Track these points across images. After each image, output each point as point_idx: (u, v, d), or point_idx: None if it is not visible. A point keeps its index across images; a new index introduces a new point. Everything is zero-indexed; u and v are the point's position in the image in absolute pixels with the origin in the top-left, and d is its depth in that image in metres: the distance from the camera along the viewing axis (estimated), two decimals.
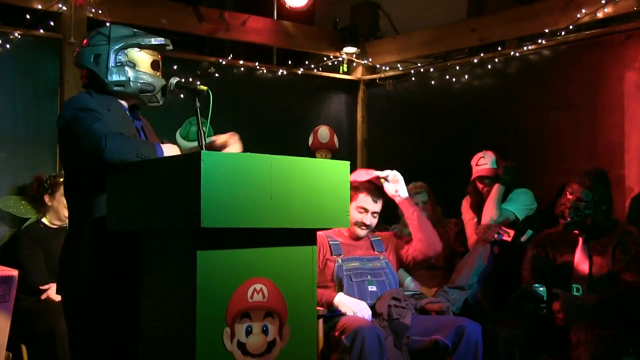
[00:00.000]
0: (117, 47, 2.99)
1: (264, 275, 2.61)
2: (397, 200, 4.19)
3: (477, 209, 5.05)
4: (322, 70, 6.57)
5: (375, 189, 4.21)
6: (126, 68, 3.00)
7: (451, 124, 5.97)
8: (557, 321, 3.87)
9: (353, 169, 6.49)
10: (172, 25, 5.68)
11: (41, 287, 4.48)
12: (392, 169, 4.21)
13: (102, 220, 2.83)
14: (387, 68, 6.51)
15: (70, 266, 2.93)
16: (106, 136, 2.70)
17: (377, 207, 4.22)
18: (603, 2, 4.79)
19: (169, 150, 2.86)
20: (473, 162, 5.08)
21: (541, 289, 4.00)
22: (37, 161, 5.01)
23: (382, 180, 4.17)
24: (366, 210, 4.18)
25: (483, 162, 5.02)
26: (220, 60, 5.91)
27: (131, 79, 3.00)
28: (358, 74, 6.77)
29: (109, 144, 2.69)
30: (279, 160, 2.58)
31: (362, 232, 4.24)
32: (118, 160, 2.70)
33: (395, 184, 4.18)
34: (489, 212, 4.82)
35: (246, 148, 3.19)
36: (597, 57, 4.94)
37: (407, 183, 5.27)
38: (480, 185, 5.04)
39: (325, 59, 6.60)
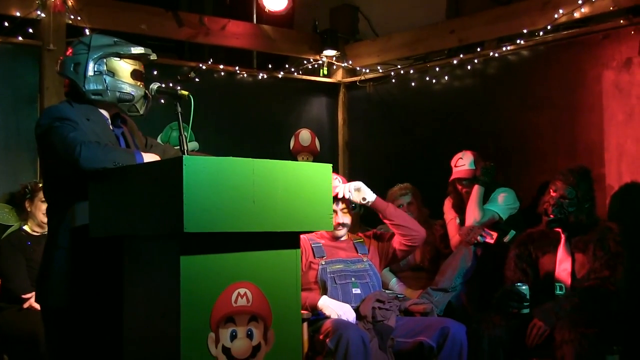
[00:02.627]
0: (95, 55, 2.99)
1: (248, 280, 2.62)
2: (368, 205, 4.19)
3: (459, 208, 5.06)
4: (303, 74, 6.57)
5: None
6: (104, 77, 3.00)
7: (432, 125, 5.98)
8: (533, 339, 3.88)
9: (336, 171, 6.60)
10: (151, 31, 5.67)
11: (23, 296, 4.45)
12: (356, 181, 4.24)
13: (82, 227, 2.82)
14: (367, 70, 6.52)
15: (49, 274, 2.91)
16: (82, 145, 2.70)
17: (341, 204, 4.23)
18: (580, 2, 4.82)
19: (150, 158, 2.85)
20: (452, 163, 5.09)
21: (524, 287, 4.02)
22: (17, 168, 4.98)
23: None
24: (334, 212, 4.20)
25: (461, 164, 5.03)
26: (201, 65, 5.90)
27: (109, 88, 3.00)
28: (338, 76, 6.78)
29: (84, 152, 2.69)
30: (261, 164, 2.59)
31: (339, 232, 4.26)
32: (94, 169, 2.70)
33: (358, 192, 4.18)
34: (472, 214, 4.82)
35: (228, 152, 3.19)
36: (575, 56, 4.97)
37: (391, 185, 5.34)
38: (459, 187, 5.05)
39: (305, 62, 6.60)
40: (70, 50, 3.05)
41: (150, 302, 2.61)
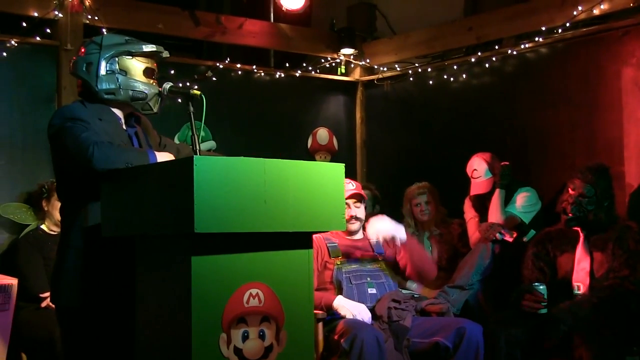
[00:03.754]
0: (107, 55, 2.99)
1: (260, 280, 2.60)
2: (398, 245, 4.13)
3: (480, 208, 5.03)
4: (320, 72, 6.56)
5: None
6: (117, 76, 2.99)
7: (450, 124, 5.95)
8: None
9: (353, 169, 6.59)
10: (168, 30, 5.68)
11: (41, 295, 4.47)
12: (383, 221, 4.10)
13: (95, 227, 2.82)
14: (385, 69, 6.50)
15: (63, 274, 2.92)
16: (94, 145, 2.70)
17: (353, 198, 4.23)
18: None
19: (164, 158, 2.85)
20: (468, 172, 5.06)
21: (541, 287, 3.98)
22: (35, 168, 5.00)
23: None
24: (347, 205, 4.18)
25: (477, 175, 4.99)
26: (218, 64, 5.90)
27: (121, 87, 2.99)
28: (356, 75, 6.75)
29: (97, 152, 2.69)
30: (272, 163, 2.58)
31: (353, 226, 4.23)
32: (106, 169, 2.70)
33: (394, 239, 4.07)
34: (494, 218, 4.80)
35: (245, 151, 3.18)
36: (594, 53, 4.91)
37: (408, 184, 5.32)
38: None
39: (322, 60, 6.59)
40: (83, 50, 3.05)
41: (161, 302, 2.61)
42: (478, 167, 4.99)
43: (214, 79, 5.85)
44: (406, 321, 3.94)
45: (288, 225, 2.60)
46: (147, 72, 3.07)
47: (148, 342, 2.66)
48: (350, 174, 6.36)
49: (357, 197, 4.23)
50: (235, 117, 6.01)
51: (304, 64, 6.52)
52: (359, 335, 3.63)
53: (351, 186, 4.23)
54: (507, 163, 4.88)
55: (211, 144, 5.75)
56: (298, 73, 6.36)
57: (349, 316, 3.89)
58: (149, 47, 3.06)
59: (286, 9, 6.41)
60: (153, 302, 2.65)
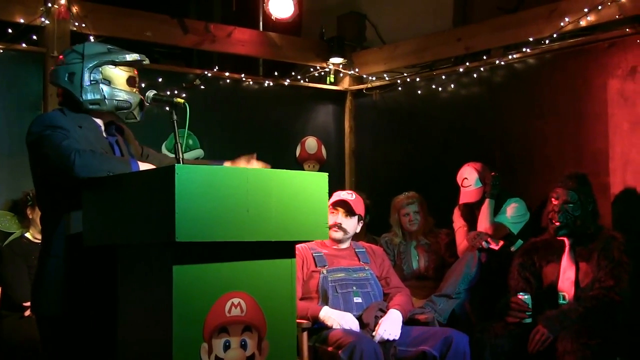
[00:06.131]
0: (91, 65, 2.96)
1: (242, 290, 2.59)
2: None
3: (469, 218, 5.03)
4: (309, 81, 6.56)
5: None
6: (101, 86, 2.97)
7: (438, 133, 5.96)
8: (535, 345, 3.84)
9: (342, 179, 6.59)
10: (157, 38, 5.67)
11: (24, 304, 4.44)
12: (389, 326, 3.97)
13: (76, 236, 2.80)
14: (374, 78, 6.50)
15: (44, 283, 2.89)
16: (76, 153, 2.68)
17: (340, 207, 4.23)
18: (586, 10, 4.80)
19: (146, 167, 2.83)
20: (458, 181, 5.06)
21: (526, 297, 4.00)
22: (21, 175, 4.92)
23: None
24: (335, 211, 4.19)
25: (467, 184, 4.98)
26: (206, 73, 5.89)
27: (106, 97, 2.97)
28: (345, 84, 6.76)
29: (78, 160, 2.67)
30: (255, 172, 2.58)
31: (335, 234, 4.22)
32: (88, 177, 2.68)
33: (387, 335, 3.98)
34: (483, 227, 4.80)
35: (232, 160, 3.18)
36: (581, 65, 4.94)
37: (396, 193, 5.31)
38: (469, 204, 5.03)
39: (312, 69, 6.59)
40: (62, 59, 3.02)
41: (143, 311, 2.59)
42: (469, 176, 4.99)
43: (202, 87, 5.84)
44: None
45: (271, 235, 2.59)
46: (130, 81, 3.05)
47: (129, 352, 2.64)
48: (339, 183, 6.42)
49: (345, 208, 4.22)
50: (224, 125, 6.01)
51: (293, 73, 6.52)
52: (357, 346, 3.61)
53: (350, 197, 4.23)
54: (497, 173, 4.89)
55: (199, 152, 5.74)
56: (287, 82, 6.36)
57: (335, 326, 3.87)
58: (132, 56, 3.04)
59: (275, 18, 6.40)
60: (134, 312, 2.64)
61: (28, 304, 4.41)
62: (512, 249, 4.75)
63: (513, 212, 4.87)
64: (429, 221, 5.27)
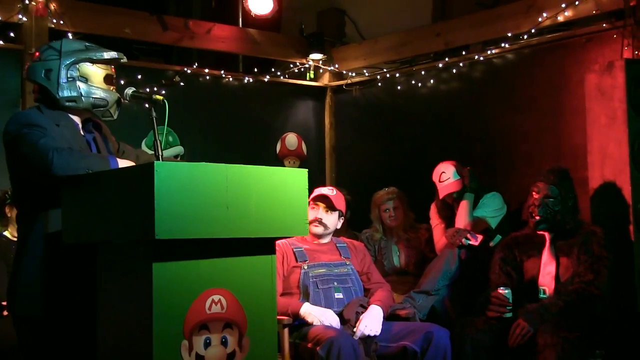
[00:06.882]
0: (68, 62, 2.95)
1: (222, 286, 2.58)
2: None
3: (446, 216, 5.04)
4: (289, 77, 6.56)
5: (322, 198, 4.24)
6: (78, 83, 2.95)
7: (418, 129, 5.98)
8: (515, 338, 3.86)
9: (323, 174, 6.60)
10: (135, 35, 5.64)
11: (3, 303, 4.41)
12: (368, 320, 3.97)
13: (54, 234, 2.78)
14: (354, 74, 6.51)
15: (20, 283, 2.87)
16: (54, 151, 2.67)
17: (320, 202, 4.22)
18: (564, 5, 4.83)
19: (125, 164, 2.82)
20: (435, 178, 5.04)
21: (507, 291, 4.01)
22: None
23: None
24: (316, 206, 4.19)
25: (445, 177, 4.98)
26: (186, 69, 5.87)
27: (83, 95, 2.96)
28: (325, 80, 6.76)
29: (57, 158, 2.66)
30: (234, 169, 2.56)
31: (315, 229, 4.22)
32: (66, 175, 2.67)
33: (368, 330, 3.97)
34: (462, 223, 4.81)
35: (214, 157, 3.18)
36: (559, 60, 4.98)
37: (377, 188, 5.32)
38: (449, 200, 5.03)
39: (291, 65, 6.59)
40: (38, 55, 3.00)
41: (123, 309, 2.58)
42: (446, 170, 5.00)
43: (181, 84, 5.82)
44: None
45: (250, 231, 2.59)
46: (107, 79, 3.04)
47: (109, 350, 2.63)
48: (319, 179, 6.43)
49: (326, 203, 4.22)
50: (204, 122, 6.00)
51: (273, 69, 6.51)
52: (335, 342, 3.61)
53: (331, 192, 4.24)
54: (470, 168, 4.91)
55: (179, 149, 5.72)
56: (267, 78, 6.36)
57: (316, 323, 3.87)
58: (110, 54, 3.03)
59: (255, 14, 6.39)
60: (114, 309, 2.62)
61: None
62: (491, 244, 4.76)
63: (490, 205, 4.89)
64: (410, 216, 5.29)
